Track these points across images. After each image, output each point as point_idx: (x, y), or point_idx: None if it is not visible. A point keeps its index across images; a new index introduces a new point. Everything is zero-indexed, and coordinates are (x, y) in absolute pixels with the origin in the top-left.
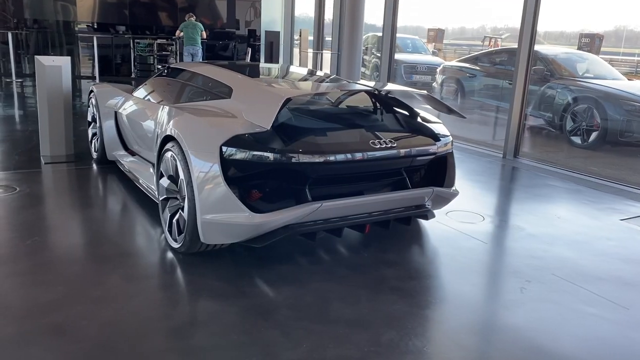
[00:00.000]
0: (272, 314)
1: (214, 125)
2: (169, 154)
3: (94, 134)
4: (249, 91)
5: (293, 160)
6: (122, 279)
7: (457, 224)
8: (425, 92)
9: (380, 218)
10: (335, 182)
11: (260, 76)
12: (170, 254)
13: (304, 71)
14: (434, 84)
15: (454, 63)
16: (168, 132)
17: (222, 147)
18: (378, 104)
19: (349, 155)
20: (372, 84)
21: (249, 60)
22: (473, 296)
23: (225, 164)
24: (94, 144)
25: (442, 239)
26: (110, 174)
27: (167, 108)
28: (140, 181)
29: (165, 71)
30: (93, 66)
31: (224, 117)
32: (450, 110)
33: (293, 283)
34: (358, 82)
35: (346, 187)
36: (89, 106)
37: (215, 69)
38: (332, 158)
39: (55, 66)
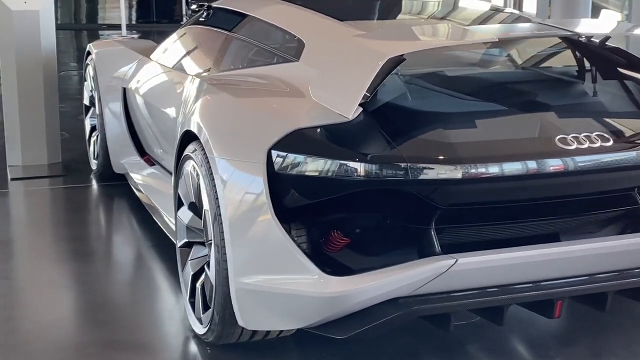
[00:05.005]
0: None
1: (258, 112)
2: (189, 165)
3: (94, 128)
4: (328, 46)
5: (406, 175)
6: None
7: None
8: None
9: (587, 289)
10: (490, 217)
11: (364, 16)
12: (194, 346)
13: None
14: None
15: None
16: (189, 126)
17: (272, 151)
18: (586, 63)
19: (516, 165)
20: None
21: None
22: None
23: (278, 182)
24: (93, 145)
25: None
26: (120, 197)
27: (195, 81)
28: (159, 214)
29: (205, 14)
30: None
31: (282, 96)
32: None
33: None
34: (544, 21)
35: (512, 228)
36: (85, 79)
37: (282, 8)
38: (484, 170)
39: (29, 12)
